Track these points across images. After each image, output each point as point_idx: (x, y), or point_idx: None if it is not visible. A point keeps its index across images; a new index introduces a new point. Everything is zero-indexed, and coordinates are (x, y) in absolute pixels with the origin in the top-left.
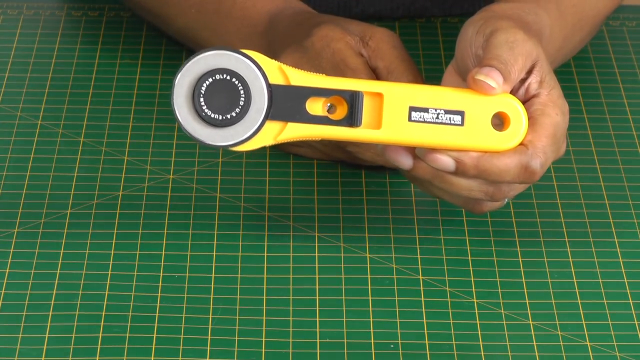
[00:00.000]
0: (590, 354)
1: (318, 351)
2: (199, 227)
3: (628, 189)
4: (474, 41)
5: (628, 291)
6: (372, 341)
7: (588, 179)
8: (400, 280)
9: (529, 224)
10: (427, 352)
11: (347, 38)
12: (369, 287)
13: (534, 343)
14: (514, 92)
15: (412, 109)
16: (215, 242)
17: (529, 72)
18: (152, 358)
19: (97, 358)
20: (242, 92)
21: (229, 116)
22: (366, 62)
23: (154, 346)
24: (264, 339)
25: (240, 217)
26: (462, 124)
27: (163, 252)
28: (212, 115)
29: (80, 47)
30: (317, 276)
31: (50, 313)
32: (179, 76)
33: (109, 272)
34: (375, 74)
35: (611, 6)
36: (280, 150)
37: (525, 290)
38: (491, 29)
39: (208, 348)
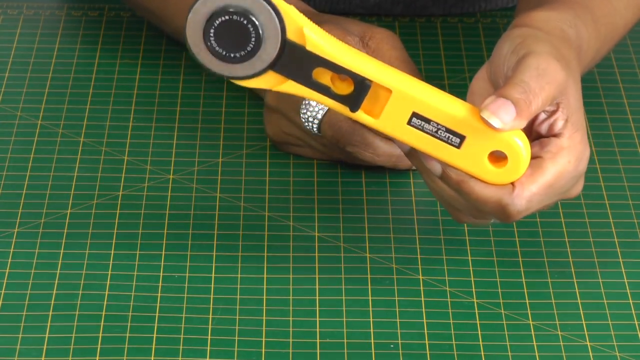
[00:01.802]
0: (590, 354)
1: (318, 351)
2: (199, 227)
3: (628, 189)
4: (507, 60)
5: (628, 291)
6: (372, 341)
7: (588, 179)
8: (400, 280)
9: (529, 224)
10: (427, 352)
11: (347, 38)
12: (369, 287)
13: (534, 343)
14: (538, 122)
15: (415, 114)
16: (215, 242)
17: (557, 106)
18: (152, 358)
19: (97, 358)
20: (253, 37)
21: (232, 55)
22: None
23: (154, 346)
24: (264, 339)
25: (240, 217)
26: (458, 147)
27: (163, 252)
28: (217, 49)
29: (80, 47)
30: (317, 276)
31: (50, 313)
32: (196, 4)
33: (109, 272)
34: None
35: (638, 15)
36: (280, 151)
37: (525, 290)
38: (525, 51)
39: (208, 348)
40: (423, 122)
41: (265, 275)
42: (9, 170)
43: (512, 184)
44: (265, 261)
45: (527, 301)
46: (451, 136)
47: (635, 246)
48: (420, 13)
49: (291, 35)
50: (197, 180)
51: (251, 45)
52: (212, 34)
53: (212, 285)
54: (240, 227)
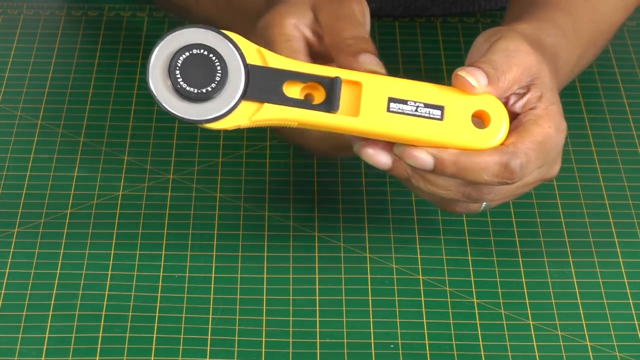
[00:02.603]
0: (590, 354)
1: (318, 351)
2: (199, 227)
3: (628, 189)
4: (480, 49)
5: (628, 291)
6: (372, 341)
7: (588, 179)
8: (400, 280)
9: (529, 224)
10: (427, 352)
11: (286, 21)
12: (369, 287)
13: (534, 343)
14: (510, 104)
15: (391, 99)
16: (215, 242)
17: (528, 88)
18: (152, 358)
19: (97, 358)
20: (219, 68)
21: (204, 90)
22: (305, 46)
23: (154, 346)
24: (264, 339)
25: (240, 217)
26: (441, 119)
27: (163, 252)
28: (188, 88)
29: (80, 47)
30: (317, 276)
31: (50, 313)
32: (157, 48)
33: (109, 272)
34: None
35: (625, 16)
36: (282, 141)
37: (525, 290)
38: (497, 37)
39: (208, 348)
40: (401, 105)
41: (265, 275)
42: (9, 170)
43: (504, 144)
44: (265, 261)
45: (527, 301)
46: (431, 110)
47: (635, 246)
48: (420, 13)
49: (251, 60)
50: (197, 180)
51: (218, 77)
52: (178, 76)
53: (212, 285)
54: (240, 227)
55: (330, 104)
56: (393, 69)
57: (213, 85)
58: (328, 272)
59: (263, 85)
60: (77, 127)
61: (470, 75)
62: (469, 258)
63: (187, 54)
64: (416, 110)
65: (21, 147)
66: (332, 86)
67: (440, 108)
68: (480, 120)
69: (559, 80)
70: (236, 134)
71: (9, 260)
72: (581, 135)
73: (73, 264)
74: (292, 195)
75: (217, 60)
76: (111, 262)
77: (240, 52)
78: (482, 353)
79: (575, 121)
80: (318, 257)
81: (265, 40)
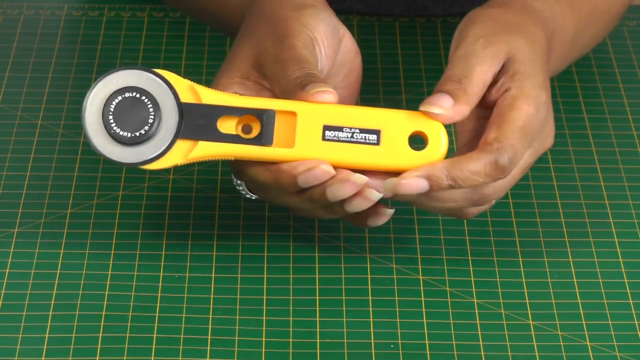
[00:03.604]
0: (590, 354)
1: (318, 351)
2: (199, 227)
3: (628, 189)
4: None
5: (628, 291)
6: (372, 341)
7: (588, 179)
8: (400, 280)
9: (529, 224)
10: (427, 352)
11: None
12: (369, 287)
13: (534, 343)
14: (487, 94)
15: (326, 127)
16: (215, 242)
17: (501, 72)
18: (152, 358)
19: (97, 358)
20: (151, 110)
21: (138, 134)
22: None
23: (154, 346)
24: (264, 339)
25: (240, 217)
26: (377, 143)
27: (163, 252)
28: (122, 133)
29: (80, 47)
30: (317, 276)
31: (50, 313)
32: (90, 96)
33: (109, 272)
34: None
35: (624, 1)
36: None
37: (525, 290)
38: (457, 42)
39: (208, 348)
40: (336, 132)
41: (265, 275)
42: (9, 170)
43: (488, 142)
44: (265, 261)
45: (527, 301)
46: (367, 135)
47: (635, 246)
48: (420, 13)
49: (184, 98)
50: (197, 180)
51: (151, 120)
52: (112, 121)
53: (212, 285)
54: (240, 227)
55: (264, 137)
56: (393, 69)
57: (146, 127)
58: (328, 272)
59: (197, 122)
60: (77, 127)
61: (433, 107)
62: (469, 258)
63: (120, 97)
64: (352, 137)
65: (21, 147)
66: (266, 118)
67: (377, 132)
68: (420, 139)
69: (556, 49)
70: None
71: (9, 260)
72: (581, 135)
73: (73, 264)
74: None
75: (149, 102)
76: (111, 262)
77: (173, 90)
78: (482, 353)
79: (575, 121)
80: (318, 257)
81: None
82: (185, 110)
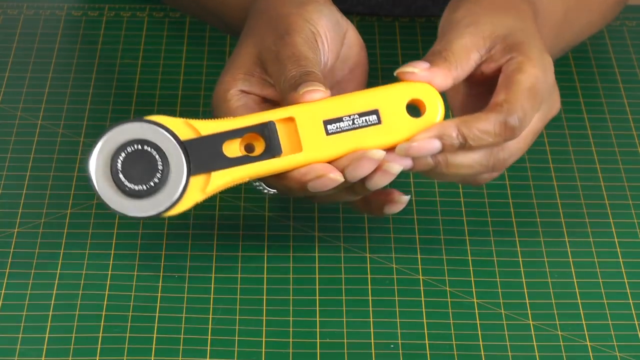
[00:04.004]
0: (590, 354)
1: (318, 351)
2: (199, 227)
3: (628, 189)
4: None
5: (628, 291)
6: (372, 341)
7: (588, 178)
8: (400, 280)
9: (529, 224)
10: (427, 352)
11: (229, 94)
12: (369, 287)
13: (534, 343)
14: (484, 70)
15: (327, 122)
16: (215, 242)
17: (500, 49)
18: (152, 358)
19: (97, 358)
20: (157, 157)
21: (152, 184)
22: (260, 106)
23: (154, 346)
24: (264, 339)
25: (240, 217)
26: (379, 122)
27: (163, 252)
28: (136, 188)
29: (80, 47)
30: (317, 276)
31: (50, 313)
32: (91, 162)
33: (109, 272)
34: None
35: None
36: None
37: (525, 290)
38: (441, 31)
39: (208, 348)
40: (337, 124)
41: (265, 275)
42: (9, 170)
43: (498, 104)
44: (265, 261)
45: (527, 301)
46: (367, 117)
47: (635, 246)
48: (420, 13)
49: (184, 135)
50: None
51: (160, 166)
52: (122, 179)
53: (212, 285)
54: (240, 227)
55: (272, 150)
56: (393, 69)
57: (158, 175)
58: (328, 272)
59: (204, 156)
60: (77, 127)
61: (406, 67)
62: (469, 258)
63: (123, 154)
64: (353, 123)
65: (21, 147)
66: (267, 132)
67: (375, 112)
68: (417, 109)
69: (543, 30)
70: None
71: (9, 260)
72: (581, 135)
73: (73, 264)
74: None
75: (152, 150)
76: (111, 262)
77: (171, 133)
78: (482, 353)
79: (575, 121)
80: (318, 257)
81: (218, 116)
82: (189, 148)
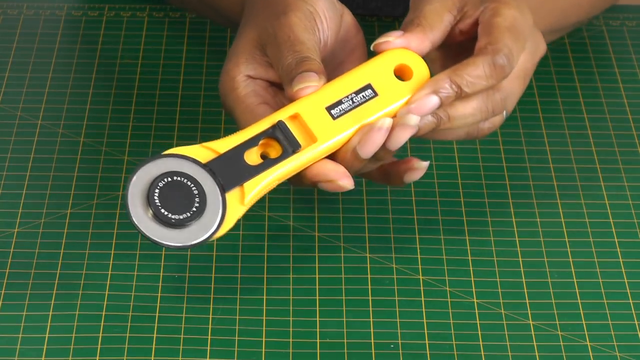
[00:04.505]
0: (590, 354)
1: (318, 351)
2: None
3: (628, 189)
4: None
5: (628, 291)
6: (372, 341)
7: (588, 179)
8: (400, 280)
9: (529, 224)
10: (427, 352)
11: (236, 81)
12: (369, 287)
13: (534, 343)
14: (460, 29)
15: (329, 108)
16: (215, 242)
17: (464, 5)
18: (152, 358)
19: (97, 358)
20: (188, 183)
21: (194, 209)
22: (266, 90)
23: (154, 346)
24: (264, 339)
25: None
26: (376, 94)
27: (163, 252)
28: (181, 217)
29: (80, 47)
30: (317, 276)
31: (50, 313)
32: (132, 209)
33: (109, 272)
34: None
35: None
36: None
37: (525, 290)
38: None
39: (208, 348)
40: (339, 106)
41: (265, 275)
42: (9, 170)
43: (482, 47)
44: (266, 261)
45: (527, 301)
46: (364, 93)
47: (635, 246)
48: None
49: (204, 159)
50: None
51: (195, 191)
52: (165, 213)
53: (212, 285)
54: (241, 227)
55: (291, 145)
56: None
57: (196, 200)
58: (328, 272)
59: (230, 171)
60: (77, 127)
61: (380, 38)
62: (469, 258)
63: (157, 191)
64: (353, 102)
65: (21, 147)
66: (281, 131)
67: (369, 86)
68: (405, 73)
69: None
70: None
71: (9, 260)
72: (581, 135)
73: (73, 264)
74: (292, 195)
75: (183, 179)
76: (111, 262)
77: (192, 159)
78: (482, 353)
79: (575, 121)
80: (318, 257)
81: (227, 109)
82: (214, 168)
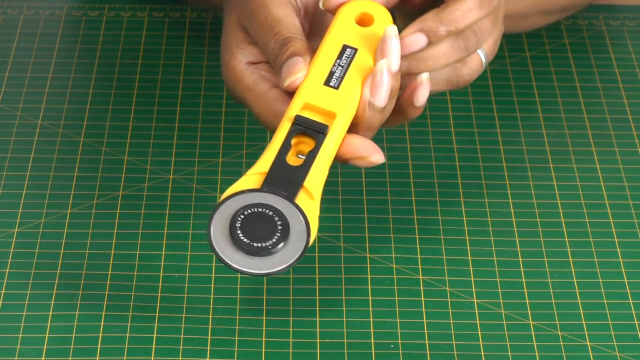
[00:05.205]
0: (590, 354)
1: (318, 351)
2: (199, 227)
3: (628, 189)
4: None
5: (628, 291)
6: (372, 341)
7: (588, 179)
8: (400, 280)
9: (529, 224)
10: (427, 352)
11: (237, 71)
12: (369, 287)
13: (534, 343)
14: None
15: (326, 82)
16: None
17: None
18: (152, 358)
19: (97, 358)
20: (262, 210)
21: (279, 232)
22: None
23: (154, 346)
24: (264, 339)
25: None
26: (355, 50)
27: (163, 252)
28: (274, 240)
29: (80, 47)
30: (317, 276)
31: (50, 313)
32: (220, 253)
33: (109, 272)
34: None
35: None
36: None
37: (525, 290)
38: None
39: (208, 348)
40: (333, 77)
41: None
42: (9, 170)
43: (443, 6)
44: None
45: (527, 301)
46: (345, 55)
47: (635, 246)
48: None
49: (256, 185)
50: (197, 180)
51: (271, 214)
52: (251, 244)
53: (212, 285)
54: None
55: (319, 130)
56: None
57: (278, 222)
58: (328, 272)
59: (284, 182)
60: (77, 127)
61: None
62: (469, 258)
63: (237, 229)
64: (342, 67)
65: (21, 147)
66: (303, 125)
67: (345, 47)
68: (365, 24)
69: None
70: (236, 134)
71: (9, 260)
72: (581, 135)
73: (73, 264)
74: None
75: (254, 209)
76: (111, 262)
77: (252, 190)
78: (482, 353)
79: (575, 121)
80: (318, 257)
81: (237, 100)
82: (269, 188)
